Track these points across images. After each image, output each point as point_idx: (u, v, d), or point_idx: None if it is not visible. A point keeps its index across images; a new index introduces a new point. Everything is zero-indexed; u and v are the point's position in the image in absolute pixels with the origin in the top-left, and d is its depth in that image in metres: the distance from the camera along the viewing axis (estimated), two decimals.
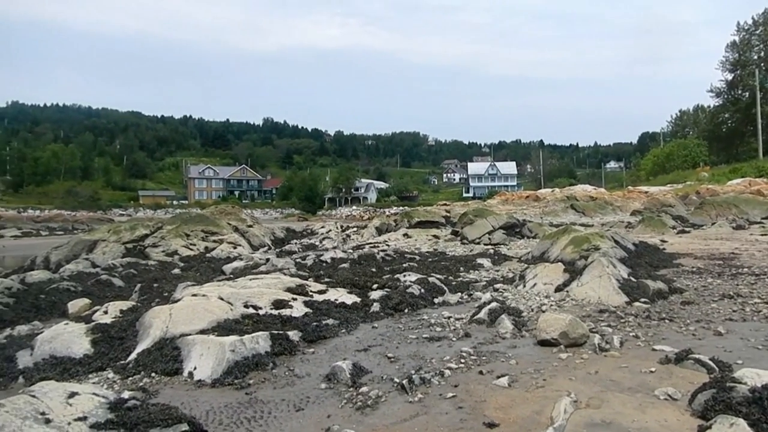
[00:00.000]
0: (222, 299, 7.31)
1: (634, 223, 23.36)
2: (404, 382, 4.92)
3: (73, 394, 3.57)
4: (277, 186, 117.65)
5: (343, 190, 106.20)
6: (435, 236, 20.07)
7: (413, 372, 5.21)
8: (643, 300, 7.81)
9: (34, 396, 3.44)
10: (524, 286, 9.31)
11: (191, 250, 16.19)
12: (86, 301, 9.76)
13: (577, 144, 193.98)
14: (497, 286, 9.69)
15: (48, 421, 3.20)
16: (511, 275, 10.90)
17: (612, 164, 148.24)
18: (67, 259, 14.93)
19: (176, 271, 13.40)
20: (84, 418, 3.33)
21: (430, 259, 13.81)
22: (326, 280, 9.84)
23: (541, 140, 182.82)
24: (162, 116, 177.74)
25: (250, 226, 19.79)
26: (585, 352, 5.69)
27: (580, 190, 45.99)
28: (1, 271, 15.86)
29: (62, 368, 5.93)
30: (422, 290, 8.95)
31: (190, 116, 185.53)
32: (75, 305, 9.60)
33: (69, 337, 6.36)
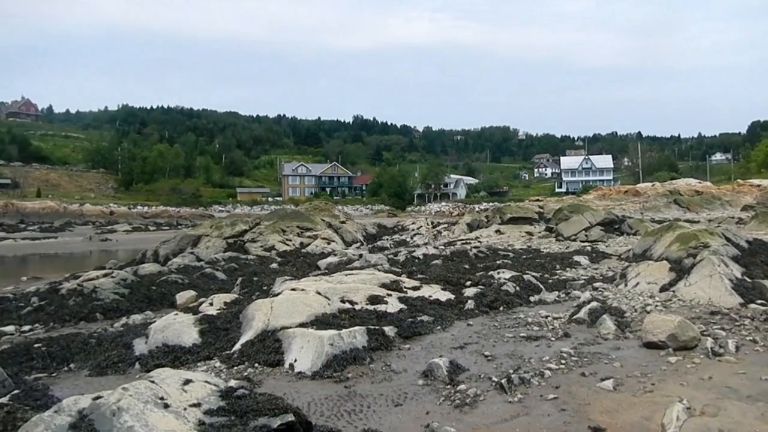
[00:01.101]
0: (319, 294, 7.49)
1: (746, 219, 21.81)
2: (503, 381, 4.85)
3: (187, 381, 3.77)
4: (367, 182, 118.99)
5: (432, 186, 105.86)
6: (528, 233, 19.64)
7: (512, 371, 5.13)
8: (759, 301, 7.28)
9: (153, 382, 3.66)
10: (626, 285, 8.91)
11: (287, 245, 16.72)
12: (192, 293, 10.30)
13: (679, 135, 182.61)
14: (596, 284, 9.35)
15: (166, 406, 3.39)
16: (611, 274, 10.48)
17: (718, 156, 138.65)
18: (174, 253, 15.83)
19: (274, 265, 13.87)
20: (198, 405, 3.51)
21: (524, 256, 13.53)
22: (419, 276, 9.87)
23: (639, 132, 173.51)
24: (257, 116, 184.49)
25: (343, 222, 20.18)
26: (696, 356, 5.37)
27: (684, 184, 43.50)
28: (116, 264, 17.04)
29: (174, 356, 6.29)
30: (517, 288, 8.78)
31: (284, 115, 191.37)
32: (182, 297, 10.15)
33: (179, 327, 6.73)
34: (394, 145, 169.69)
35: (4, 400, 4.93)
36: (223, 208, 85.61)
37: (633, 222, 19.51)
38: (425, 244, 17.82)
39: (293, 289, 7.67)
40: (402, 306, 7.63)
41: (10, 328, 8.63)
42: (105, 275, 10.94)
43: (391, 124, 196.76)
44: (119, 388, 3.47)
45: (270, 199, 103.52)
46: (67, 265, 25.65)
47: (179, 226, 52.83)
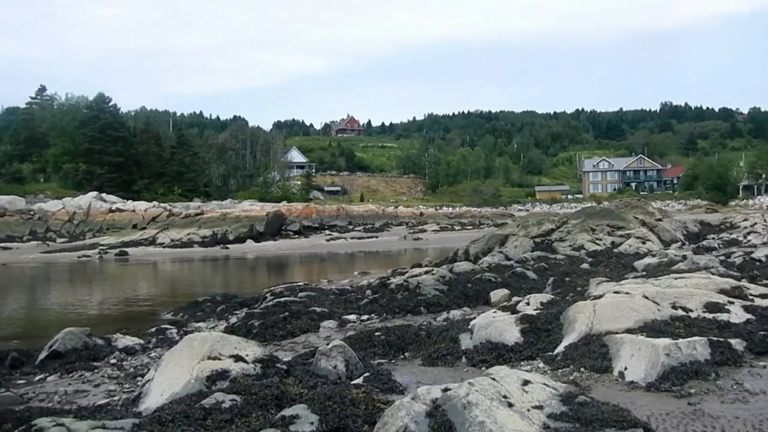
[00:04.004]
0: (647, 298, 6.93)
1: None
2: None
3: (526, 382, 3.78)
4: (678, 175, 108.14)
5: (763, 176, 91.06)
6: None
7: None
8: None
9: (494, 379, 3.75)
10: None
11: (597, 244, 16.00)
12: (506, 291, 10.49)
13: None
14: None
15: (510, 405, 3.45)
16: None
17: None
18: (483, 252, 16.40)
19: (585, 265, 13.39)
20: (540, 407, 3.49)
21: None
22: (765, 282, 8.48)
23: None
24: (554, 112, 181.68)
25: (659, 220, 18.53)
26: None
27: None
28: (430, 261, 18.36)
29: (497, 353, 6.45)
30: None
31: (582, 109, 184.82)
32: (496, 295, 10.41)
33: (501, 325, 6.88)
34: (712, 131, 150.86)
35: (359, 381, 5.64)
36: (522, 207, 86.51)
37: None
38: (765, 243, 15.29)
39: (616, 292, 7.24)
40: (749, 316, 6.61)
41: (352, 317, 9.90)
42: (426, 272, 11.82)
43: (708, 108, 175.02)
44: (466, 383, 3.64)
45: (569, 196, 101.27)
46: (386, 261, 28.70)
47: (481, 226, 54.91)
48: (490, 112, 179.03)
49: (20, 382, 7.57)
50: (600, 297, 7.26)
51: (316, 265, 28.83)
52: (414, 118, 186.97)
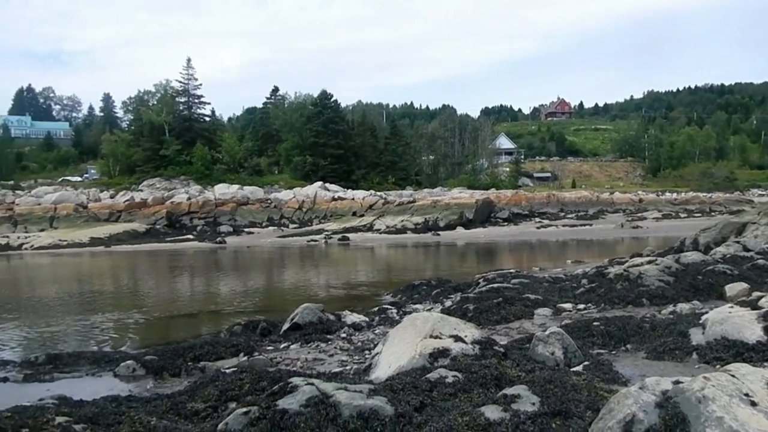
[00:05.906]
0: None
1: None
2: None
3: None
4: None
5: None
6: None
7: None
8: None
9: (733, 376, 3.52)
10: None
11: None
12: (745, 285, 9.48)
13: None
14: None
15: (753, 404, 3.22)
16: None
17: None
18: (715, 242, 14.89)
19: None
20: None
21: None
22: None
23: None
24: None
25: None
26: None
27: None
28: (652, 251, 17.12)
29: (735, 351, 5.91)
30: None
31: None
32: (733, 289, 9.46)
33: (740, 322, 6.29)
34: None
35: (578, 368, 5.59)
36: (763, 192, 76.10)
37: None
38: None
39: None
40: None
41: (567, 305, 9.72)
42: (649, 262, 11.12)
43: None
44: (700, 377, 3.47)
45: None
46: (601, 250, 27.34)
47: (712, 213, 49.56)
48: (722, 85, 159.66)
49: (269, 348, 8.78)
50: None
51: (526, 253, 28.48)
52: (631, 96, 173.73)
